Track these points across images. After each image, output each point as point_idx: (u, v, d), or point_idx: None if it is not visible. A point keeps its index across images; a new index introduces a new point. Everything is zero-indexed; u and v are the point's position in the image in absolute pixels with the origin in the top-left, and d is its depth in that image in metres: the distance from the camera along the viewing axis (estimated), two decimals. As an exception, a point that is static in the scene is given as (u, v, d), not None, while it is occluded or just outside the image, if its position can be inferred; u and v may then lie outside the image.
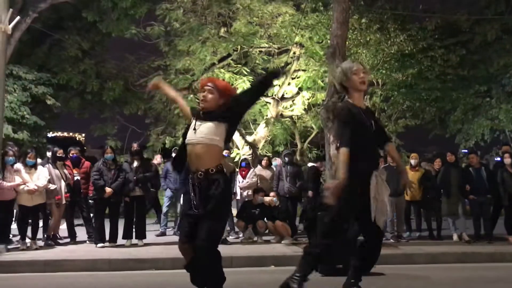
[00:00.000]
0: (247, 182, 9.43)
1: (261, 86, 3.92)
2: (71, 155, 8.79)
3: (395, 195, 8.58)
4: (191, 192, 3.62)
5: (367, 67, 4.14)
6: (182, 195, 8.17)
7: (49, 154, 8.20)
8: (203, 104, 3.73)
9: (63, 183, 8.25)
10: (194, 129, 3.63)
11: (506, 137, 18.39)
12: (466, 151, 16.42)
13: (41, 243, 7.88)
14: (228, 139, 3.75)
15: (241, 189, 9.55)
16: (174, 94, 4.18)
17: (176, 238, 8.78)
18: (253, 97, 3.96)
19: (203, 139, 3.59)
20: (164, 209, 9.71)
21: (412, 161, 9.25)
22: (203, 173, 3.57)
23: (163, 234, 9.38)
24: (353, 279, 3.97)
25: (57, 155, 8.45)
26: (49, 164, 8.20)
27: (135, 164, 8.29)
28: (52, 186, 7.92)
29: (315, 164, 11.10)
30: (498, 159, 9.65)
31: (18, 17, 9.23)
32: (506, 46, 12.06)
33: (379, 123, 4.06)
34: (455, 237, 8.66)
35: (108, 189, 7.84)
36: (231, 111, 3.68)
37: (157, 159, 11.20)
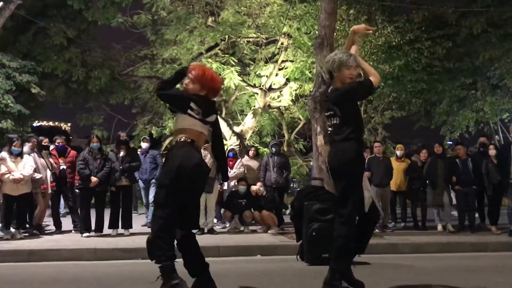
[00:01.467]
0: (234, 172, 9.43)
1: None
2: (56, 144, 8.72)
3: (381, 186, 8.69)
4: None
5: (360, 61, 4.20)
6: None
7: (28, 144, 8.05)
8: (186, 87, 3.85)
9: (48, 173, 8.18)
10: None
11: (491, 129, 18.65)
12: (451, 142, 16.63)
13: (25, 232, 7.81)
14: None
15: (230, 179, 9.55)
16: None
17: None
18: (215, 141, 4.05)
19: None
20: (145, 200, 9.65)
21: (398, 152, 9.35)
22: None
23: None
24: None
25: (43, 144, 8.36)
26: (35, 153, 8.11)
27: (122, 153, 8.24)
28: (37, 175, 7.84)
29: None
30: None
31: (1, 3, 9.06)
32: (491, 40, 12.15)
33: None
34: (439, 227, 8.78)
35: (93, 179, 7.79)
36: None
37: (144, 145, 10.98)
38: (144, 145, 9.70)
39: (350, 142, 3.98)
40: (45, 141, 8.45)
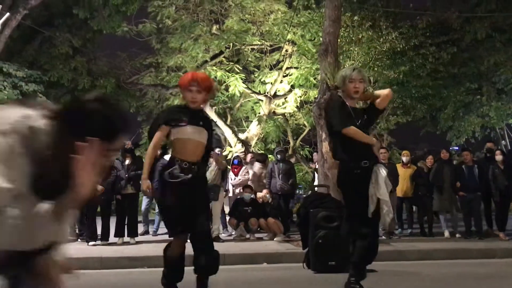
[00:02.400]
0: (239, 179, 9.43)
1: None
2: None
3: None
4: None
5: (366, 76, 4.35)
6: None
7: None
8: (193, 105, 3.91)
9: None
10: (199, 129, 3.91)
11: (497, 134, 18.56)
12: (457, 148, 16.55)
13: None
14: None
15: (233, 186, 9.55)
16: (148, 162, 4.11)
17: (167, 236, 8.79)
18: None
19: (203, 140, 3.92)
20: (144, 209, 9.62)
21: (404, 158, 9.32)
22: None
23: (146, 232, 9.37)
24: (353, 277, 4.05)
25: None
26: None
27: (127, 161, 8.26)
28: None
29: None
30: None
31: (8, 14, 9.15)
32: (496, 44, 12.13)
33: (369, 120, 4.30)
34: (446, 233, 8.73)
35: (99, 187, 7.80)
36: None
37: None
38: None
39: (340, 163, 4.32)
40: None
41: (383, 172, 4.07)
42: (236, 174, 9.57)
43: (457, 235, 8.70)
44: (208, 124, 4.08)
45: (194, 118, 3.90)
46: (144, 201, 9.64)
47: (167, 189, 3.91)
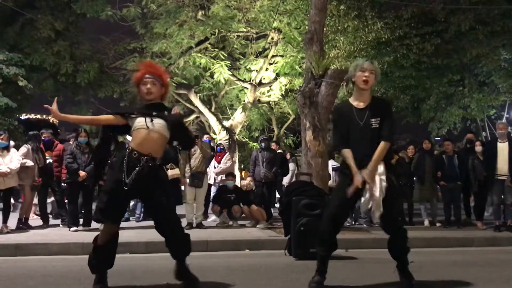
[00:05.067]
0: (221, 167, 9.46)
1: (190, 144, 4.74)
2: (43, 138, 8.64)
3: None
4: (126, 170, 3.85)
5: (378, 70, 4.16)
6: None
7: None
8: (148, 96, 4.04)
9: (36, 167, 8.12)
10: (151, 120, 3.93)
11: (478, 126, 18.84)
12: (439, 138, 16.78)
13: (12, 226, 7.76)
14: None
15: (216, 174, 9.57)
16: (84, 118, 4.24)
17: (150, 223, 8.78)
18: (184, 143, 4.57)
19: (160, 129, 3.94)
20: None
21: None
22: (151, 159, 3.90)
23: (127, 219, 9.29)
24: (403, 277, 4.13)
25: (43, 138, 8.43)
26: (30, 146, 8.04)
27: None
28: (29, 163, 7.79)
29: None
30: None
31: (-12, -5, 8.94)
32: (479, 37, 12.24)
33: (384, 120, 4.02)
34: (426, 222, 8.89)
35: (82, 173, 7.75)
36: (174, 131, 4.06)
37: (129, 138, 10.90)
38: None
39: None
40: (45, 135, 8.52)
41: (382, 177, 3.93)
42: (218, 162, 9.57)
43: (437, 224, 8.87)
44: (169, 117, 4.09)
45: (150, 110, 4.00)
46: None
47: (111, 174, 4.00)
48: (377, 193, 3.88)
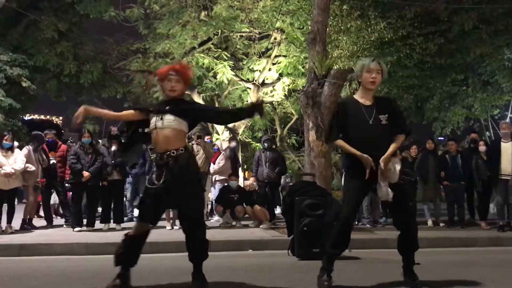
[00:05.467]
0: (214, 167, 9.50)
1: (231, 117, 4.56)
2: (47, 139, 8.66)
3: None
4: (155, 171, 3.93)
5: (385, 68, 4.15)
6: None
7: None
8: (172, 94, 4.02)
9: (39, 168, 8.15)
10: (161, 117, 3.92)
11: (481, 125, 18.79)
12: (442, 138, 16.74)
13: (17, 227, 7.79)
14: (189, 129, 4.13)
15: (211, 174, 9.57)
16: (112, 113, 4.32)
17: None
18: (218, 120, 4.54)
19: (171, 124, 3.91)
20: (129, 195, 9.44)
21: None
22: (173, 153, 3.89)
23: (130, 220, 9.28)
24: (408, 277, 4.14)
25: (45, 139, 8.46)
26: (31, 148, 8.06)
27: (113, 148, 8.22)
28: (31, 168, 7.81)
29: None
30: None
31: (-8, -4, 8.98)
32: (482, 36, 12.20)
33: (394, 115, 4.06)
34: (429, 222, 8.87)
35: (85, 173, 7.78)
36: (194, 118, 4.08)
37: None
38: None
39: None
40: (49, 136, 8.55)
41: (397, 167, 3.98)
42: (213, 162, 9.59)
43: (441, 224, 8.85)
44: (188, 111, 4.06)
45: (174, 107, 3.98)
46: (129, 189, 9.52)
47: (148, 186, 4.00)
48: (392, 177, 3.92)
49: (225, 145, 13.99)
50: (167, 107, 3.97)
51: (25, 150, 7.99)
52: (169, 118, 3.91)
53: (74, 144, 8.67)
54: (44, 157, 8.28)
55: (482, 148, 8.84)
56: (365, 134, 3.99)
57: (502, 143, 8.23)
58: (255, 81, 14.16)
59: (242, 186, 9.61)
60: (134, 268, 4.40)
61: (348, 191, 4.15)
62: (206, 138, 10.33)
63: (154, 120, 3.96)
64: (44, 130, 8.95)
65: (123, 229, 7.93)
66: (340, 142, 4.04)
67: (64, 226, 8.37)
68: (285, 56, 13.34)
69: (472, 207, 9.52)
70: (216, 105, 15.59)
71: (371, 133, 3.99)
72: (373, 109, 4.05)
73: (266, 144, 9.76)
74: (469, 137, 9.92)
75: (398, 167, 3.97)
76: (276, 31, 12.98)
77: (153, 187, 3.87)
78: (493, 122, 19.06)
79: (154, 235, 6.68)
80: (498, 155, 8.13)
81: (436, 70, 13.52)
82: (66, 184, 8.48)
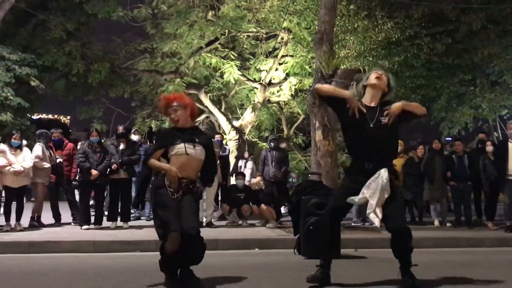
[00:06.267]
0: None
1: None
2: (53, 138, 8.72)
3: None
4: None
5: (392, 82, 4.19)
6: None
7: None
8: (177, 124, 4.20)
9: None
10: (194, 146, 4.12)
11: (489, 126, 18.68)
12: (450, 138, 16.67)
13: (25, 224, 7.87)
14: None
15: None
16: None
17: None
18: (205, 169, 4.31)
19: (201, 155, 4.15)
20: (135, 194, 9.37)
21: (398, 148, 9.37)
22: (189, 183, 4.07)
23: (138, 218, 9.32)
24: (406, 277, 4.09)
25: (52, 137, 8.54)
26: (42, 144, 8.16)
27: (121, 147, 8.28)
28: (46, 165, 7.92)
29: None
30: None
31: (2, -4, 9.07)
32: (491, 36, 12.16)
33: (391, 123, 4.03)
34: (436, 222, 8.85)
35: (94, 172, 7.83)
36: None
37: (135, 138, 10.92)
38: (135, 137, 9.57)
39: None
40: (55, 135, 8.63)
41: (384, 176, 3.90)
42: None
43: (448, 224, 8.83)
44: (203, 140, 4.23)
45: (186, 136, 4.13)
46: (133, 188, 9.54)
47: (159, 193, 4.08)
48: (376, 196, 3.88)
49: (230, 144, 14.07)
50: (196, 139, 4.15)
51: (38, 147, 8.06)
52: (199, 147, 4.14)
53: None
54: (52, 154, 8.36)
55: (489, 148, 8.80)
56: (365, 136, 3.98)
57: (509, 144, 8.20)
58: (262, 81, 14.19)
59: (248, 185, 9.61)
60: (140, 267, 4.45)
61: (340, 186, 4.28)
62: (217, 137, 10.35)
63: (182, 146, 4.07)
64: (50, 129, 9.02)
65: (130, 227, 8.00)
66: (325, 86, 4.43)
67: (72, 224, 8.44)
68: (292, 56, 13.35)
69: (479, 207, 9.49)
70: (223, 104, 15.64)
71: (371, 136, 3.96)
72: (376, 111, 4.03)
73: (272, 144, 9.78)
74: (478, 137, 9.89)
75: (386, 184, 3.91)
76: (283, 31, 13.00)
77: (173, 197, 3.97)
78: (501, 123, 18.95)
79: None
80: (506, 155, 8.10)
81: (444, 70, 13.49)
82: (74, 182, 8.53)
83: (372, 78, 4.08)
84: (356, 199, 3.95)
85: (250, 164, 11.03)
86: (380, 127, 3.97)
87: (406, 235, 4.06)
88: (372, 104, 4.08)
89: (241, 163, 11.31)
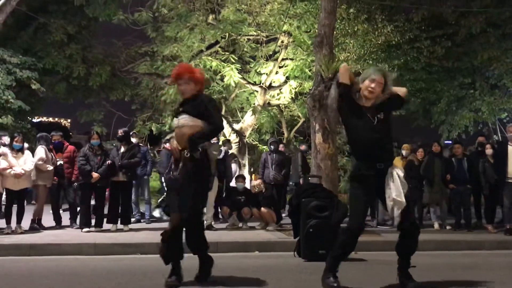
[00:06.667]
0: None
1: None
2: (53, 140, 8.73)
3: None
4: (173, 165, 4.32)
5: (390, 80, 4.15)
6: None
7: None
8: (183, 96, 4.33)
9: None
10: (177, 117, 4.30)
11: (489, 129, 18.69)
12: (450, 142, 16.67)
13: (26, 227, 7.88)
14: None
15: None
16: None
17: (160, 225, 8.86)
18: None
19: (185, 122, 4.21)
20: (134, 197, 9.21)
21: (404, 152, 9.40)
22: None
23: (138, 221, 9.28)
24: (405, 279, 4.13)
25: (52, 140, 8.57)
26: (44, 146, 8.19)
27: (122, 149, 8.27)
28: (49, 167, 7.95)
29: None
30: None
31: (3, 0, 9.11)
32: (490, 39, 12.19)
33: (386, 118, 4.09)
34: (436, 225, 8.86)
35: (95, 174, 7.84)
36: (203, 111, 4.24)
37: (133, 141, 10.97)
38: (133, 140, 9.59)
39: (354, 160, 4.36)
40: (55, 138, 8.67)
41: (400, 173, 3.98)
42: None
43: (447, 227, 8.84)
44: (189, 107, 4.26)
45: (186, 106, 4.25)
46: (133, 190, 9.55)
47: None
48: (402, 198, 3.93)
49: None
50: (181, 108, 4.29)
51: (41, 149, 8.08)
52: (183, 117, 4.21)
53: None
54: (52, 156, 8.38)
55: (489, 151, 8.81)
56: (371, 136, 4.00)
57: (509, 146, 8.22)
58: (262, 84, 14.21)
59: (248, 187, 9.62)
60: (140, 269, 4.46)
61: (354, 198, 4.15)
62: (214, 140, 10.36)
63: (174, 121, 4.31)
64: (50, 132, 9.04)
65: (130, 230, 8.01)
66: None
67: (73, 226, 8.43)
68: (292, 59, 13.38)
69: (479, 210, 9.49)
70: (224, 107, 15.66)
71: (377, 134, 4.00)
72: (374, 110, 4.07)
73: (272, 147, 9.81)
74: (477, 140, 9.90)
75: (401, 174, 4.00)
76: (283, 34, 13.04)
77: (173, 178, 4.18)
78: (501, 126, 18.95)
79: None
80: (505, 158, 8.11)
81: (444, 73, 13.52)
82: (75, 184, 8.51)
83: (365, 89, 4.06)
84: (395, 208, 3.96)
85: (233, 166, 10.99)
86: (381, 124, 4.03)
87: (416, 234, 4.12)
88: (369, 105, 4.11)
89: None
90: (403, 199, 3.92)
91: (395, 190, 3.91)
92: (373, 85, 4.02)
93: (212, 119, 4.20)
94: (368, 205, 4.20)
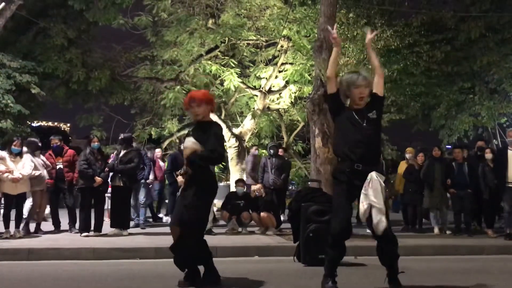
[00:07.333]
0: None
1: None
2: (52, 144, 8.70)
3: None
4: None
5: (370, 80, 4.14)
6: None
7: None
8: (196, 118, 4.52)
9: (45, 171, 8.24)
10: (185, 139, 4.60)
11: (489, 133, 18.71)
12: (449, 146, 16.68)
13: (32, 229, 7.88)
14: None
15: None
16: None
17: (159, 229, 8.84)
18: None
19: (188, 144, 4.43)
20: (132, 201, 9.14)
21: (408, 155, 9.40)
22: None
23: (136, 226, 9.26)
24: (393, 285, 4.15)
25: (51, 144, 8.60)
26: (29, 153, 8.12)
27: (121, 154, 8.25)
28: (36, 172, 7.89)
29: None
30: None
31: (3, 4, 9.12)
32: (489, 44, 12.21)
33: (376, 119, 4.10)
34: (436, 230, 8.84)
35: (98, 179, 7.81)
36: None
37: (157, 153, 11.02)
38: (134, 145, 9.57)
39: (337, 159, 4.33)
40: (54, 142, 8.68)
41: (379, 179, 3.94)
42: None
43: (447, 232, 8.82)
44: (195, 132, 4.51)
45: (197, 129, 4.53)
46: (141, 193, 9.54)
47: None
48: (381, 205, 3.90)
49: (230, 152, 14.08)
50: (189, 131, 4.72)
51: (27, 158, 7.97)
52: (189, 139, 4.43)
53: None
54: (44, 159, 8.37)
55: (488, 155, 8.81)
56: (359, 138, 4.00)
57: (509, 151, 8.21)
58: (262, 88, 14.22)
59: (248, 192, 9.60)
60: (139, 274, 4.44)
61: (336, 197, 4.14)
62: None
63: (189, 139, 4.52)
64: (49, 136, 9.04)
65: (130, 234, 7.99)
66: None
67: (72, 231, 8.40)
68: (291, 63, 13.39)
69: (479, 215, 9.47)
70: (223, 112, 15.65)
71: (365, 135, 4.01)
72: (363, 110, 4.08)
73: (272, 151, 9.80)
74: (477, 145, 9.91)
75: (381, 179, 3.97)
76: (282, 38, 13.05)
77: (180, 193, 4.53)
78: (501, 130, 18.96)
79: (160, 241, 6.75)
80: (505, 163, 8.10)
81: (443, 78, 13.51)
82: (75, 187, 8.48)
83: (357, 98, 4.07)
84: (374, 212, 3.94)
85: None
86: (371, 124, 4.03)
87: (393, 241, 4.08)
88: (358, 107, 4.12)
89: None
90: (382, 205, 3.89)
91: (373, 194, 3.89)
92: (361, 90, 4.06)
93: (212, 148, 4.41)
94: (347, 208, 4.10)
